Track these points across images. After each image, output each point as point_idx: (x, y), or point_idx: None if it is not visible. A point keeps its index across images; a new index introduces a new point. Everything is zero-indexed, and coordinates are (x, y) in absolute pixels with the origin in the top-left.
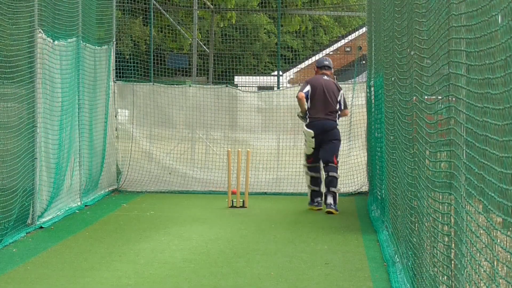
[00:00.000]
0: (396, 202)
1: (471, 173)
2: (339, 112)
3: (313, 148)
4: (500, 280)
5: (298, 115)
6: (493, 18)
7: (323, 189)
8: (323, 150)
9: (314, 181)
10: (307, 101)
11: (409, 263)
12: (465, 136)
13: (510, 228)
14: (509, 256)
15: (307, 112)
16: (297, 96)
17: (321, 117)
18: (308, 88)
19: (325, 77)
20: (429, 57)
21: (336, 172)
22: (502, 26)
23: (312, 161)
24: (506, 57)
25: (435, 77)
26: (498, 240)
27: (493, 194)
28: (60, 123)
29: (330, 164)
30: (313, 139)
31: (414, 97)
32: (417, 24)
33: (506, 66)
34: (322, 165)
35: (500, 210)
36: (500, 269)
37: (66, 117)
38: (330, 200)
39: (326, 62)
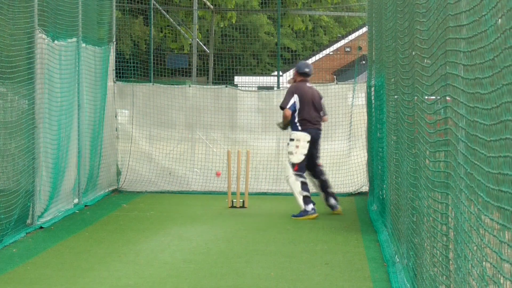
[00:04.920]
0: (398, 202)
1: (465, 173)
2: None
3: (304, 155)
4: (488, 280)
5: (278, 125)
6: (483, 18)
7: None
8: (311, 157)
9: (305, 186)
10: (294, 111)
11: (410, 264)
12: (459, 136)
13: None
14: (496, 256)
15: (297, 117)
16: (284, 114)
17: (313, 124)
18: (295, 99)
19: (308, 84)
20: (429, 57)
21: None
22: (491, 26)
23: (298, 168)
24: (494, 57)
25: (434, 77)
26: (486, 240)
27: (481, 194)
28: (59, 123)
29: (318, 168)
30: (308, 144)
31: (415, 97)
32: (418, 24)
33: (493, 66)
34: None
35: (488, 210)
36: (488, 269)
37: (65, 117)
38: (333, 201)
39: (308, 70)
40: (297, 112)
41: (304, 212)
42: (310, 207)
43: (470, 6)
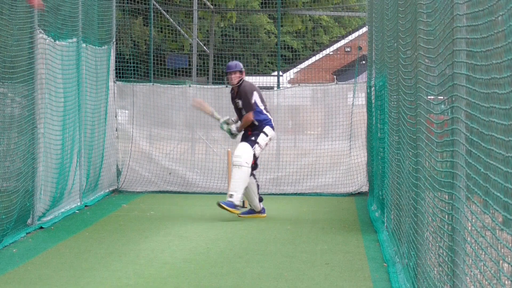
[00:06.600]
0: (400, 203)
1: (476, 173)
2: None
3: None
4: (484, 282)
5: (231, 131)
6: (500, 19)
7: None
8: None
9: (257, 187)
10: (257, 106)
11: (411, 264)
12: (470, 136)
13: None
14: (495, 255)
15: (268, 114)
16: (249, 117)
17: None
18: (255, 97)
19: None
20: (434, 57)
21: None
22: (509, 26)
23: (254, 163)
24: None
25: (439, 78)
26: (504, 239)
27: (498, 194)
28: (63, 124)
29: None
30: None
31: (418, 97)
32: (422, 24)
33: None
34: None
35: (505, 209)
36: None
37: (69, 118)
38: (261, 204)
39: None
40: (264, 108)
41: (253, 211)
42: (261, 205)
43: (484, 6)
